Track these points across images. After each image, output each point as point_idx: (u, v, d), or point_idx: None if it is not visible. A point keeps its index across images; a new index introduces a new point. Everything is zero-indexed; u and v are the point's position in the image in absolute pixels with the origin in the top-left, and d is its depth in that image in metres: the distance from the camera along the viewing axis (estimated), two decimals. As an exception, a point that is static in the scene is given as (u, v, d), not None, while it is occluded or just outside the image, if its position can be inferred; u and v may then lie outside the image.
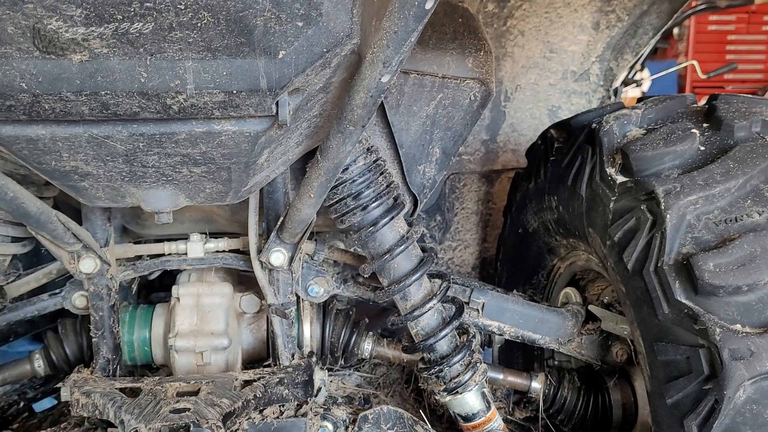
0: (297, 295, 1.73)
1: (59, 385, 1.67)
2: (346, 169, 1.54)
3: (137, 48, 0.97)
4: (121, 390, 1.54)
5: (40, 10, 0.90)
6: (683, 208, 1.37)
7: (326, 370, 1.77)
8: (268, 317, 1.75)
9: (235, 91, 1.04)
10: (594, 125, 1.64)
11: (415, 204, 1.80)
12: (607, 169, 1.56)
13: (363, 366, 2.10)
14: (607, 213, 1.53)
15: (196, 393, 1.53)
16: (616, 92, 2.43)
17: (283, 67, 1.02)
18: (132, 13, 0.92)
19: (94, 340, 1.65)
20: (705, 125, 1.52)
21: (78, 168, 1.21)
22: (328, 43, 1.02)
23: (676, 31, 7.27)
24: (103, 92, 1.01)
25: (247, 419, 1.56)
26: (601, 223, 1.56)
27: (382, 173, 1.61)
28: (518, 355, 2.20)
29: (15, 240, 1.54)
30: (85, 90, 1.00)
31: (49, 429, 1.73)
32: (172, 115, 1.08)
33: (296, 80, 1.05)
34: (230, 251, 1.73)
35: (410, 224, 1.66)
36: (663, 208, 1.38)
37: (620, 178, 1.52)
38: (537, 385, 1.87)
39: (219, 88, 1.03)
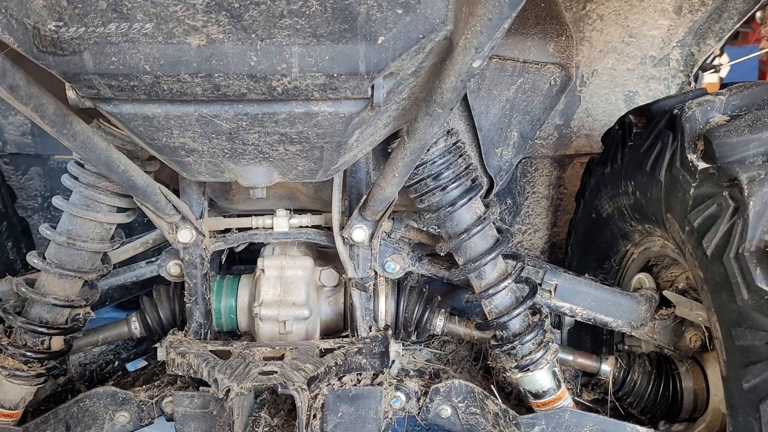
0: (374, 270, 1.81)
1: (155, 345, 1.81)
2: (427, 150, 1.60)
3: (249, 34, 1.05)
4: (213, 352, 1.66)
5: (166, -2, 1.00)
6: (767, 196, 1.37)
7: (401, 343, 1.85)
8: (346, 290, 1.83)
9: (335, 74, 1.11)
10: (676, 111, 1.63)
11: (491, 186, 1.84)
12: (688, 155, 1.56)
13: (433, 342, 2.17)
14: (687, 199, 1.54)
15: (280, 358, 1.63)
16: (696, 78, 2.39)
17: (382, 52, 1.08)
18: (248, 1, 1.00)
19: (187, 305, 1.77)
20: (792, 113, 1.50)
21: (185, 144, 1.32)
22: (424, 29, 1.08)
23: (759, 14, 6.92)
24: (216, 74, 1.10)
25: (327, 385, 1.66)
26: (681, 208, 1.57)
27: (461, 155, 1.66)
28: (587, 338, 2.22)
29: (120, 210, 1.67)
30: (201, 72, 1.09)
31: (144, 386, 1.88)
32: (275, 96, 1.16)
33: (392, 64, 1.11)
34: (313, 227, 1.82)
35: (487, 205, 1.70)
36: (746, 195, 1.38)
37: (702, 165, 1.52)
38: (607, 367, 1.89)
39: (321, 71, 1.10)
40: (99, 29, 1.02)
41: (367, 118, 1.28)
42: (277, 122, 1.24)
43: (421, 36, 1.08)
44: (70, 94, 1.15)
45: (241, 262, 2.44)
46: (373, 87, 1.16)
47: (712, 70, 3.62)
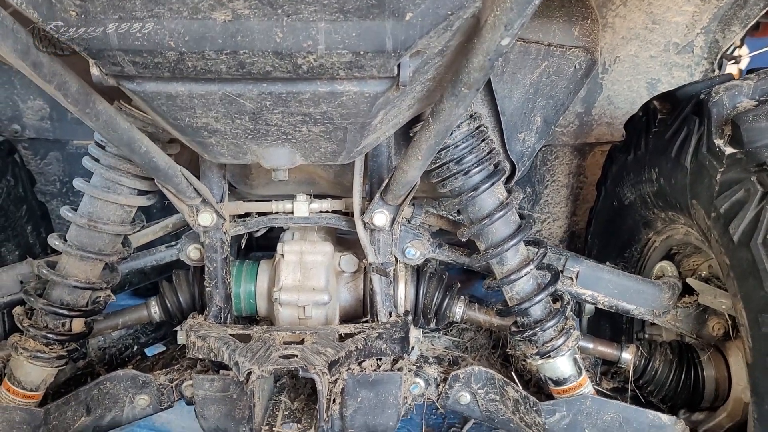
0: (394, 256, 1.80)
1: (175, 329, 1.81)
2: (450, 134, 1.59)
3: (276, 9, 1.03)
4: (233, 336, 1.66)
5: (192, -27, 0.98)
6: (797, 181, 1.35)
7: (420, 330, 1.84)
8: (366, 276, 1.82)
9: (361, 52, 1.09)
10: (702, 96, 1.61)
11: (513, 171, 1.82)
12: (715, 141, 1.53)
13: (451, 330, 2.16)
14: (714, 185, 1.52)
15: (301, 342, 1.63)
16: (720, 65, 2.35)
17: (409, 28, 1.06)
18: (275, -25, 0.98)
19: (207, 289, 1.77)
20: (823, 97, 1.48)
21: (208, 124, 1.31)
22: (453, 5, 1.06)
23: (780, 4, 6.81)
24: (241, 51, 1.09)
25: (347, 370, 1.65)
26: (707, 195, 1.54)
27: (484, 140, 1.64)
28: (606, 326, 2.20)
29: (141, 193, 1.67)
30: (226, 49, 1.08)
31: (163, 369, 1.88)
32: (300, 74, 1.15)
33: (420, 42, 1.09)
34: (333, 212, 1.81)
35: (509, 191, 1.69)
36: (776, 179, 1.36)
37: (729, 150, 1.50)
38: (627, 355, 1.87)
39: (347, 48, 1.09)
40: (123, 4, 1.01)
41: (392, 98, 1.27)
42: (301, 102, 1.23)
43: (449, 12, 1.07)
44: (94, 71, 1.15)
45: (258, 248, 2.44)
46: (399, 65, 1.14)
47: (732, 61, 3.56)
